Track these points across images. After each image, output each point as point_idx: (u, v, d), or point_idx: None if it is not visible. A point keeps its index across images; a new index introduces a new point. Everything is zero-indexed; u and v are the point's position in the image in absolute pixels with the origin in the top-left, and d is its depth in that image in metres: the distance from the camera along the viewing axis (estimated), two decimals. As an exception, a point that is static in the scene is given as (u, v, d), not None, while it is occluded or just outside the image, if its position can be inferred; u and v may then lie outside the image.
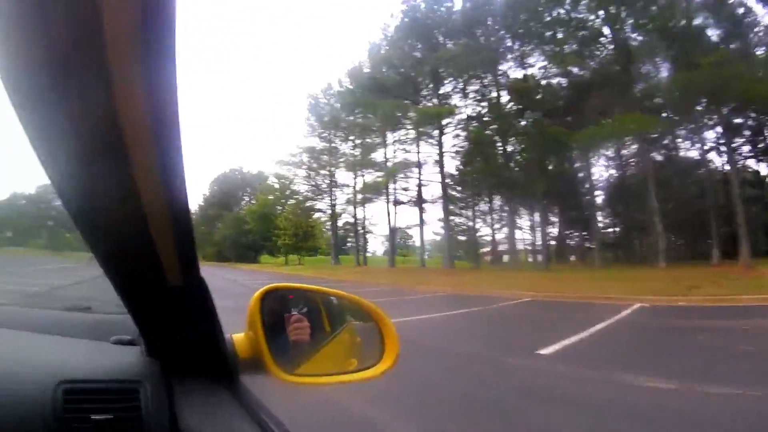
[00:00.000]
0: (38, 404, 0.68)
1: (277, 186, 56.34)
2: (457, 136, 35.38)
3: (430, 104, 35.44)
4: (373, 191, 40.93)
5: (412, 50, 33.88)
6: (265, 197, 56.76)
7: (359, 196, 43.60)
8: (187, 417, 0.73)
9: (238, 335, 0.83)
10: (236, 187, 69.37)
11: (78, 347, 0.86)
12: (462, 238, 39.08)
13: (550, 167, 30.09)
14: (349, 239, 52.29)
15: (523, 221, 36.76)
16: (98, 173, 0.45)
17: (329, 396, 3.15)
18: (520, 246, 37.09)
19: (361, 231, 45.62)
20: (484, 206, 37.90)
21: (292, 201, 54.32)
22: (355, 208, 44.65)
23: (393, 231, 41.65)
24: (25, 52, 0.34)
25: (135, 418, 0.72)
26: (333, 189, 47.05)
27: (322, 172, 46.88)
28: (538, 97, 29.39)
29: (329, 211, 48.19)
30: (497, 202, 36.34)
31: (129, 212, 0.49)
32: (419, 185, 38.88)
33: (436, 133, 35.74)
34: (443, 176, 35.46)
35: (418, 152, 38.58)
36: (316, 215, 51.03)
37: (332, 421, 3.08)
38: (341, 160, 45.41)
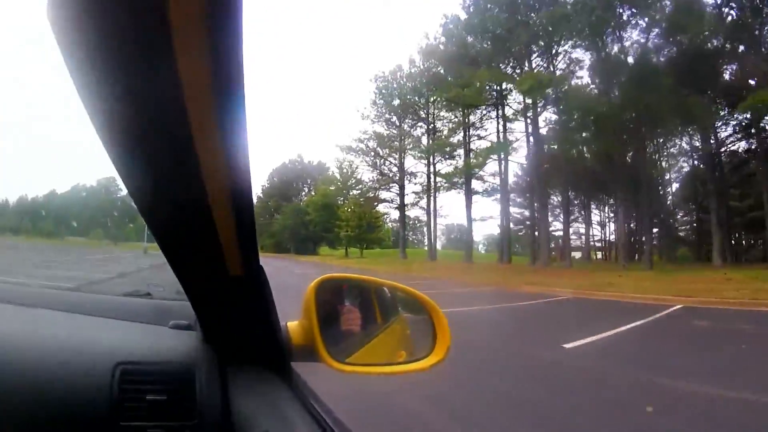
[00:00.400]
0: (97, 384, 0.71)
1: (338, 176, 53.41)
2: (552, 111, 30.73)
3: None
4: (454, 178, 37.15)
5: (510, 10, 29.35)
6: (326, 188, 54.16)
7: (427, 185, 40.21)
8: (239, 401, 0.74)
9: (293, 323, 0.84)
10: (296, 178, 67.61)
11: (136, 331, 0.88)
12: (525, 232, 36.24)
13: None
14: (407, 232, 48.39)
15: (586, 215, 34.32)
16: (164, 162, 0.46)
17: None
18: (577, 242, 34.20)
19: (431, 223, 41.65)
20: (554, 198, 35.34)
21: (355, 191, 51.34)
22: (429, 197, 40.61)
23: (470, 221, 37.48)
24: (90, 42, 0.33)
25: (189, 400, 0.74)
26: (402, 177, 43.28)
27: (390, 159, 43.57)
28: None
29: (396, 201, 44.34)
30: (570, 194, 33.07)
31: (193, 201, 0.50)
32: (503, 173, 34.58)
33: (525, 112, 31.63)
34: (535, 158, 30.71)
35: (501, 132, 34.14)
36: (381, 206, 47.55)
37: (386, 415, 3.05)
38: (410, 147, 41.97)
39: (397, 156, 42.80)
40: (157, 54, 0.34)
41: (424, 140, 40.94)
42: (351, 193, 51.49)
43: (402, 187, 43.19)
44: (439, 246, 43.30)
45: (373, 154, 43.69)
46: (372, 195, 45.65)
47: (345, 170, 52.61)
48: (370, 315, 0.99)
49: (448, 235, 41.25)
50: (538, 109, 30.70)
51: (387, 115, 42.14)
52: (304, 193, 67.32)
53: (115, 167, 0.45)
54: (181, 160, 0.45)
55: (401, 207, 43.28)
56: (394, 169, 43.52)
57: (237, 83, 0.37)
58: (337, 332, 0.88)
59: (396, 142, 42.28)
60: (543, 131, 31.57)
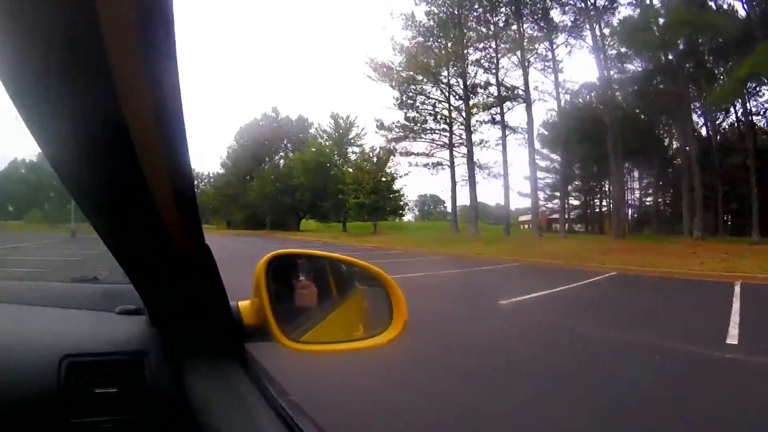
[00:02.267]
0: (43, 378, 0.70)
1: (331, 129, 41.84)
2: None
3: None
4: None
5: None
6: (320, 143, 42.30)
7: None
8: (192, 386, 0.73)
9: (243, 302, 0.82)
10: (271, 136, 55.44)
11: (83, 319, 0.86)
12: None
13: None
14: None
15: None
16: (96, 143, 0.43)
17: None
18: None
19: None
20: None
21: (356, 147, 40.19)
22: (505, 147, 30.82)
23: (535, 191, 28.28)
24: (21, 49, 0.33)
25: (140, 390, 0.73)
26: (449, 116, 32.51)
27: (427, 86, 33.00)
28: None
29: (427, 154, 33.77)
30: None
31: (130, 181, 0.48)
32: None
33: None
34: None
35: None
36: (404, 164, 36.47)
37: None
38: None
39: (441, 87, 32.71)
40: (89, 51, 0.33)
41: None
42: (351, 150, 40.38)
43: (450, 125, 32.30)
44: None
45: (401, 80, 32.11)
46: (391, 146, 34.57)
47: (341, 122, 41.14)
48: (326, 290, 0.98)
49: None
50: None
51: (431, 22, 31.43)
52: (280, 155, 55.23)
53: (37, 144, 0.41)
54: (112, 139, 0.42)
55: (450, 161, 33.40)
56: (432, 107, 33.89)
57: (166, 40, 0.35)
58: (293, 309, 0.86)
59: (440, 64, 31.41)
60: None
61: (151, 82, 0.37)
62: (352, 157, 42.39)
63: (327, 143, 42.34)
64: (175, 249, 0.61)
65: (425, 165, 35.18)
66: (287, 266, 0.91)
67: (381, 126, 35.74)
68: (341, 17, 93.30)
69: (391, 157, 35.43)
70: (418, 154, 34.99)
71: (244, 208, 53.64)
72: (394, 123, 35.28)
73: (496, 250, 17.82)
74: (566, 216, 31.03)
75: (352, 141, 42.33)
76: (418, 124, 34.28)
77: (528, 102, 29.76)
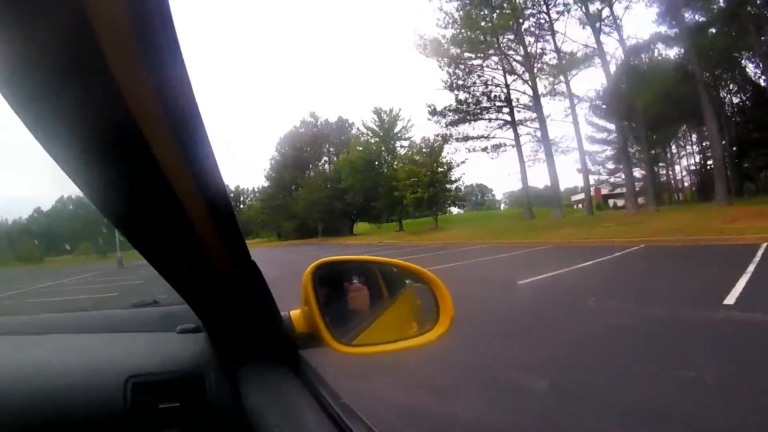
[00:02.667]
0: (109, 400, 0.74)
1: (375, 127, 39.46)
2: None
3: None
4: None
5: None
6: (365, 142, 39.99)
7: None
8: (250, 398, 0.75)
9: (295, 311, 0.85)
10: (313, 142, 53.57)
11: (145, 341, 0.90)
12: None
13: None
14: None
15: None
16: (121, 174, 0.44)
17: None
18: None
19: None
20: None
21: (403, 141, 37.60)
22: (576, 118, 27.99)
23: (629, 164, 24.65)
24: (17, 56, 0.33)
25: (201, 403, 0.77)
26: (507, 90, 29.63)
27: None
28: None
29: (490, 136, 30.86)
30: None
31: (164, 207, 0.49)
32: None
33: None
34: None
35: None
36: (462, 150, 33.68)
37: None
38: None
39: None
40: (85, 62, 0.33)
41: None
42: (399, 145, 37.80)
43: (509, 101, 29.27)
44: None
45: (452, 57, 29.44)
46: (446, 133, 31.80)
47: (385, 116, 38.63)
48: (377, 292, 0.99)
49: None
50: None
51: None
52: (324, 160, 53.41)
53: (75, 184, 0.43)
54: (137, 167, 0.43)
55: (515, 134, 30.09)
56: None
57: (182, 82, 0.37)
58: (345, 313, 0.89)
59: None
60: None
61: (160, 90, 0.37)
62: (401, 151, 39.79)
63: (373, 140, 39.89)
64: (219, 266, 0.63)
65: (484, 149, 32.16)
66: (336, 272, 0.94)
67: (434, 112, 33.09)
68: (371, 11, 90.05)
69: (446, 145, 32.55)
70: (476, 138, 32.27)
71: (293, 218, 52.18)
72: (447, 107, 32.63)
73: (618, 232, 14.93)
74: (634, 188, 27.50)
75: (399, 135, 39.80)
76: (472, 105, 31.58)
77: (603, 59, 26.15)
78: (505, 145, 31.56)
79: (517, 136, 30.56)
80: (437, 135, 33.76)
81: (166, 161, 0.42)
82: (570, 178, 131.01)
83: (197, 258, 0.60)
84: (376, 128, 40.47)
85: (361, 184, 39.49)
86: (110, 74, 0.33)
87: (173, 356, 0.82)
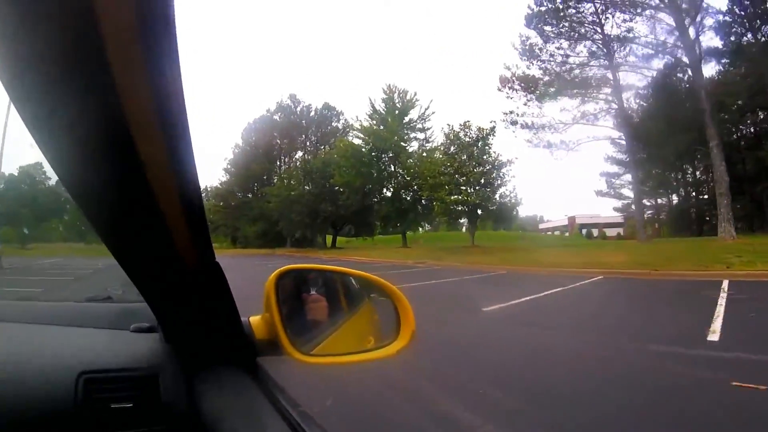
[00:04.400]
0: (60, 395, 0.72)
1: (381, 108, 30.78)
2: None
3: None
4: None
5: None
6: (373, 128, 30.86)
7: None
8: (205, 401, 0.74)
9: (255, 317, 0.84)
10: (290, 130, 43.86)
11: (99, 337, 0.88)
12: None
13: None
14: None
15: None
16: (103, 164, 0.45)
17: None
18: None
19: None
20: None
21: (419, 134, 29.34)
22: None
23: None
24: (22, 53, 0.34)
25: (155, 405, 0.75)
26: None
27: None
28: None
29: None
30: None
31: (139, 200, 0.49)
32: None
33: None
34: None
35: None
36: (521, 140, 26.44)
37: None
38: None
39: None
40: (92, 69, 0.34)
41: None
42: (413, 137, 29.39)
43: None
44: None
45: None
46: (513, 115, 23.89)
47: (396, 97, 30.06)
48: (336, 303, 0.99)
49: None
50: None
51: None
52: (298, 155, 43.88)
53: (53, 169, 0.44)
54: (120, 160, 0.44)
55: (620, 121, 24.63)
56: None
57: (174, 83, 0.38)
58: (304, 323, 0.88)
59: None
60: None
61: (155, 90, 0.38)
62: (413, 146, 31.11)
63: (382, 127, 30.94)
64: (185, 266, 0.62)
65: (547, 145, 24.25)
66: (298, 281, 0.94)
67: (509, 81, 25.14)
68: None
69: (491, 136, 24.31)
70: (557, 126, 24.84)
71: (257, 221, 42.11)
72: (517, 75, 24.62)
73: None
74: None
75: (414, 124, 31.11)
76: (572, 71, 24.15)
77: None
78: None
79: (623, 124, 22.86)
80: (492, 121, 25.98)
81: (148, 154, 0.43)
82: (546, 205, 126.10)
83: (165, 254, 0.59)
84: (383, 112, 31.62)
85: (361, 182, 30.35)
86: (111, 75, 0.34)
87: (127, 355, 0.79)
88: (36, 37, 0.32)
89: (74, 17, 0.31)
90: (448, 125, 26.83)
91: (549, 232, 49.96)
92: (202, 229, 0.58)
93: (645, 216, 25.47)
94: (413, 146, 31.65)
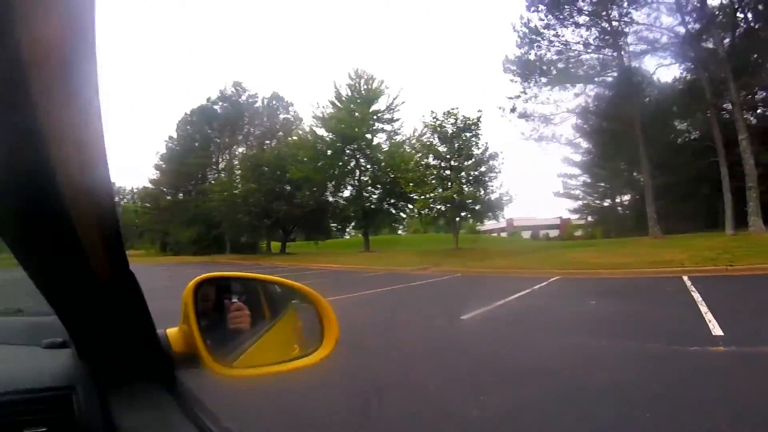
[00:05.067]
0: None
1: (348, 90, 27.47)
2: None
3: None
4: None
5: None
6: (330, 116, 27.14)
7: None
8: (122, 420, 0.71)
9: (172, 329, 0.80)
10: (234, 121, 38.90)
11: (8, 354, 0.84)
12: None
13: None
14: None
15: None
16: (14, 172, 0.44)
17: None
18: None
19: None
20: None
21: (386, 125, 26.34)
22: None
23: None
24: None
25: (68, 427, 0.71)
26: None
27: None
28: None
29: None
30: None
31: (50, 209, 0.48)
32: None
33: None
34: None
35: None
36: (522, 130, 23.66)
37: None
38: None
39: None
40: (6, 63, 0.34)
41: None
42: (380, 128, 26.37)
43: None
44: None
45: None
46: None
47: (362, 84, 26.97)
48: (259, 311, 0.95)
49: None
50: None
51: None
52: (246, 146, 39.03)
53: None
54: (30, 166, 0.43)
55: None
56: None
57: (91, 95, 0.38)
58: (225, 333, 0.85)
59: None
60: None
61: (68, 94, 0.37)
62: (381, 137, 27.73)
63: (343, 116, 27.16)
64: (97, 276, 0.59)
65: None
66: (218, 290, 0.89)
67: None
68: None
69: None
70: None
71: (192, 223, 36.67)
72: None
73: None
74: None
75: (382, 114, 27.67)
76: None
77: None
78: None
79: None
80: (479, 110, 23.32)
81: (59, 162, 0.42)
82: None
83: (76, 263, 0.56)
84: (348, 99, 27.94)
85: (321, 177, 26.45)
86: (23, 76, 0.34)
87: (38, 373, 0.75)
88: None
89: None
90: (432, 113, 23.53)
91: (493, 234, 48.30)
92: (116, 236, 0.56)
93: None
94: (380, 138, 28.20)
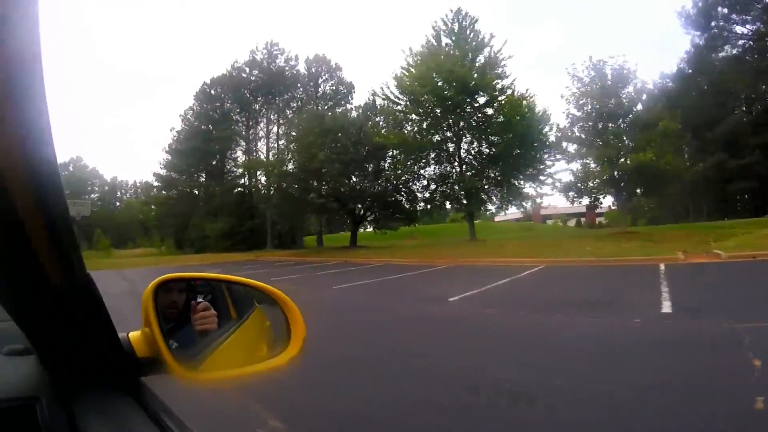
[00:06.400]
0: None
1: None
2: None
3: None
4: None
5: None
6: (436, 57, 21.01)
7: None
8: (86, 428, 0.70)
9: (134, 333, 0.79)
10: (264, 87, 32.28)
11: None
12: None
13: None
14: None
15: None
16: None
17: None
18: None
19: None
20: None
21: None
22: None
23: None
24: None
25: None
26: None
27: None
28: None
29: None
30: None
31: None
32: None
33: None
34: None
35: None
36: None
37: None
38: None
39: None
40: None
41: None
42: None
43: None
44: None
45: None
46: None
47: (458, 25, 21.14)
48: (224, 312, 0.93)
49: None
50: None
51: None
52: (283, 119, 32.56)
53: None
54: None
55: None
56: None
57: (36, 92, 0.38)
58: (191, 335, 0.83)
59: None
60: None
61: (10, 92, 0.37)
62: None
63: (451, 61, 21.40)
64: (51, 280, 0.59)
65: None
66: (181, 291, 0.87)
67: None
68: None
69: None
70: None
71: (219, 213, 29.76)
72: None
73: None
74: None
75: (487, 69, 21.59)
76: None
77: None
78: None
79: None
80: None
81: (4, 164, 0.41)
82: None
83: (29, 268, 0.55)
84: (452, 44, 21.92)
85: (419, 144, 20.70)
86: None
87: (2, 382, 0.73)
88: None
89: None
90: (589, 57, 18.66)
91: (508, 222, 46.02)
92: (68, 235, 0.55)
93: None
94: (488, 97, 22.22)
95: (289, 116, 32.39)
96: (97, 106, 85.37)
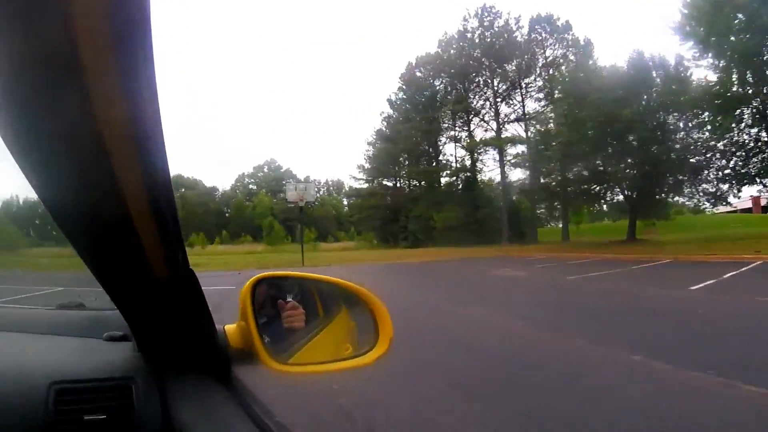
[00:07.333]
0: (31, 406, 0.71)
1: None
2: None
3: None
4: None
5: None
6: None
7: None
8: (179, 412, 0.75)
9: (230, 326, 0.84)
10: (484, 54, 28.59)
11: (71, 346, 0.89)
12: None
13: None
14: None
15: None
16: (76, 171, 0.45)
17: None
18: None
19: None
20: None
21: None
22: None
23: None
24: None
25: (128, 416, 0.75)
26: None
27: None
28: None
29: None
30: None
31: (110, 208, 0.50)
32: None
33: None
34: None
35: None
36: None
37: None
38: None
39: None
40: (63, 67, 0.35)
41: None
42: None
43: None
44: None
45: None
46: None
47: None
48: (313, 311, 0.99)
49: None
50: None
51: None
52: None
53: (21, 170, 0.44)
54: (92, 166, 0.44)
55: None
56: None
57: (150, 92, 0.38)
58: (280, 331, 0.88)
59: None
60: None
61: (128, 94, 0.38)
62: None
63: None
64: (156, 274, 0.62)
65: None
66: (273, 289, 0.93)
67: None
68: None
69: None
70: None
71: (449, 201, 26.76)
72: None
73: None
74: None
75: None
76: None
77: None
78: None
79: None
80: None
81: (121, 162, 0.43)
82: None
83: (136, 261, 0.59)
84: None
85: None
86: (83, 77, 0.35)
87: (100, 364, 0.79)
88: (8, 42, 0.32)
89: (47, 21, 0.31)
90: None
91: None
92: (174, 231, 0.58)
93: None
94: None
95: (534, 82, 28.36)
96: (293, 111, 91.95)
